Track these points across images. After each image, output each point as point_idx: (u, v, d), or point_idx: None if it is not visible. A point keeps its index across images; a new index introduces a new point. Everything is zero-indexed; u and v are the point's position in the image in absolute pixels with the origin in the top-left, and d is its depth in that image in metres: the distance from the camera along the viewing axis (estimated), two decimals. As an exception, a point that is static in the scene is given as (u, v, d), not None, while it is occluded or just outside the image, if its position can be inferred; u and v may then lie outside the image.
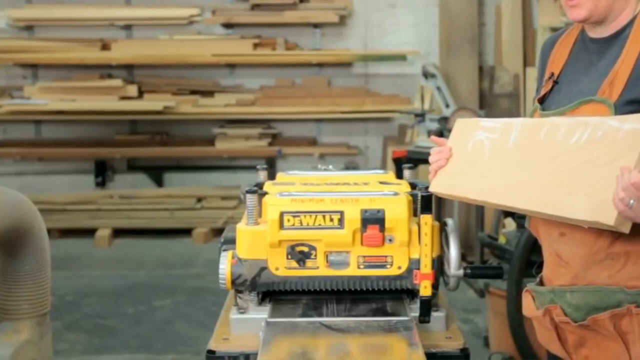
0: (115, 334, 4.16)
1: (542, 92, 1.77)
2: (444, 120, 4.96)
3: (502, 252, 3.47)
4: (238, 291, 1.89)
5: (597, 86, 1.63)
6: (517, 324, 3.12)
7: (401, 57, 6.42)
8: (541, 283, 1.78)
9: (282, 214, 1.83)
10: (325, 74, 6.61)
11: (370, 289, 1.86)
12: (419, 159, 4.79)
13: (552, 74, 1.77)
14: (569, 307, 1.67)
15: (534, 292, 1.76)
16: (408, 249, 1.85)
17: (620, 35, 1.67)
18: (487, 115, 5.13)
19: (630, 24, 1.66)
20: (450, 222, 1.93)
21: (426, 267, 1.84)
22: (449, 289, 1.93)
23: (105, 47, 6.44)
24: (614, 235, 1.58)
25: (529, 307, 1.78)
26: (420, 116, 5.13)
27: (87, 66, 6.45)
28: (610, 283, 1.61)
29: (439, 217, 2.00)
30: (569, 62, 1.76)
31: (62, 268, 5.01)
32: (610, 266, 1.61)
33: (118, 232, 6.09)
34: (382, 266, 1.85)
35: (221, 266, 1.86)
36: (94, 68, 6.48)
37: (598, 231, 1.59)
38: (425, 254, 1.85)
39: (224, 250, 1.91)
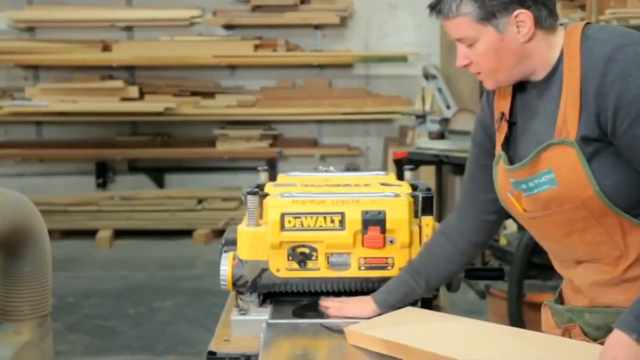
0: (116, 335, 4.16)
1: (501, 136, 1.68)
2: (445, 121, 4.96)
3: (503, 254, 3.47)
4: (239, 292, 1.89)
5: (552, 131, 1.57)
6: (518, 326, 3.12)
7: (402, 59, 6.42)
8: (560, 297, 1.76)
9: (283, 216, 1.83)
10: (326, 75, 6.61)
11: (371, 290, 1.86)
12: (420, 161, 4.80)
13: (503, 114, 1.69)
14: (589, 326, 1.65)
15: (552, 309, 1.75)
16: (409, 250, 1.85)
17: (555, 74, 1.59)
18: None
19: (559, 59, 1.59)
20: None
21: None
22: (450, 290, 1.94)
23: (106, 48, 6.45)
24: (629, 260, 1.57)
25: (547, 323, 1.76)
26: (421, 117, 5.13)
27: (88, 67, 6.45)
28: (628, 306, 1.57)
29: (440, 219, 2.00)
30: (518, 108, 1.68)
31: (63, 269, 5.01)
32: (626, 290, 1.59)
33: (119, 233, 6.09)
34: (383, 267, 1.85)
35: (222, 267, 1.87)
36: (95, 69, 6.49)
37: (615, 260, 1.58)
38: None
39: (225, 251, 1.91)
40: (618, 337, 1.48)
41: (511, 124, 1.68)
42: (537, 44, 1.59)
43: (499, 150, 1.69)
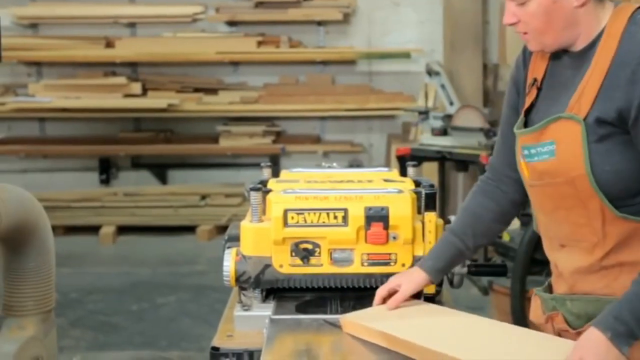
0: (119, 331, 4.17)
1: (528, 101, 1.70)
2: (448, 118, 4.96)
3: (506, 250, 3.47)
4: (242, 288, 1.89)
5: (567, 104, 1.58)
6: (521, 322, 3.12)
7: (405, 55, 6.41)
8: (549, 287, 1.77)
9: (286, 212, 1.83)
10: (329, 72, 6.60)
11: (374, 286, 1.86)
12: (423, 157, 4.81)
13: (535, 80, 1.70)
14: (570, 315, 1.67)
15: (540, 298, 1.76)
16: (412, 246, 1.85)
17: (592, 48, 1.59)
18: (492, 113, 5.13)
19: (600, 35, 1.59)
20: (454, 219, 1.93)
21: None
22: (453, 286, 1.94)
23: (109, 44, 6.45)
24: (606, 249, 1.59)
25: (535, 311, 1.77)
26: (424, 114, 5.13)
27: (91, 64, 6.45)
28: (606, 293, 1.61)
29: (443, 215, 2.00)
30: (548, 74, 1.69)
31: (66, 265, 5.02)
32: (604, 276, 1.61)
33: (122, 230, 6.10)
34: (386, 263, 1.86)
35: (225, 263, 1.87)
36: (98, 66, 6.49)
37: (592, 246, 1.59)
38: (429, 251, 1.85)
39: (228, 247, 1.92)
40: (591, 335, 1.48)
41: (539, 89, 1.69)
42: (587, 13, 1.58)
43: (521, 113, 1.71)
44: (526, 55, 1.75)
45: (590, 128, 1.54)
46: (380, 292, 1.79)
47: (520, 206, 1.83)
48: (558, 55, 1.67)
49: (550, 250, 1.71)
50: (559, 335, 1.71)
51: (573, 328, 1.67)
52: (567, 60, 1.65)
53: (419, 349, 1.56)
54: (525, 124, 1.69)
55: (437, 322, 1.70)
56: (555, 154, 1.58)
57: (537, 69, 1.71)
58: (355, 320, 1.71)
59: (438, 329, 1.66)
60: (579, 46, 1.62)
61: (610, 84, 1.54)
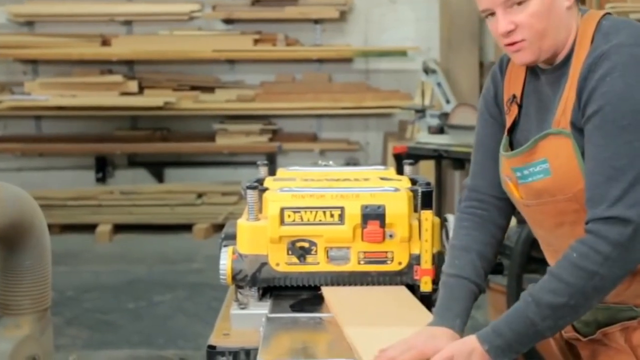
0: (116, 329, 4.17)
1: (509, 120, 1.66)
2: (445, 116, 4.96)
3: (502, 248, 3.47)
4: (238, 286, 1.89)
5: (552, 120, 1.56)
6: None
7: (402, 53, 6.41)
8: None
9: (282, 210, 1.83)
10: (326, 70, 6.60)
11: (371, 284, 1.87)
12: (419, 155, 4.81)
13: (515, 97, 1.66)
14: (579, 322, 1.65)
15: None
16: (408, 244, 1.85)
17: (567, 62, 1.56)
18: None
19: (573, 46, 1.55)
20: (450, 217, 1.93)
21: (427, 263, 1.84)
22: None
23: (105, 42, 6.44)
24: None
25: None
26: (421, 112, 5.13)
27: (87, 62, 6.45)
28: (618, 302, 1.59)
29: (440, 213, 2.00)
30: (526, 91, 1.65)
31: (62, 263, 5.01)
32: None
33: (119, 228, 6.10)
34: (383, 262, 1.86)
35: (222, 261, 1.87)
36: (94, 64, 6.48)
37: None
38: (425, 249, 1.85)
39: (225, 245, 1.91)
40: (470, 342, 1.48)
41: (519, 107, 1.65)
42: (571, 16, 1.56)
43: (505, 133, 1.67)
44: (502, 69, 1.70)
45: (576, 140, 1.52)
46: (409, 356, 1.50)
47: (507, 226, 1.78)
48: (534, 72, 1.64)
49: (554, 260, 1.70)
50: (568, 344, 1.71)
51: (583, 335, 1.66)
52: (544, 77, 1.61)
53: (346, 335, 1.62)
54: (510, 145, 1.65)
55: (382, 316, 1.72)
56: (551, 171, 1.55)
57: (514, 86, 1.66)
58: (329, 296, 1.80)
59: (373, 323, 1.68)
60: (559, 59, 1.58)
61: (579, 91, 1.52)
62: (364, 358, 1.51)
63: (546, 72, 1.61)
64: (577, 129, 1.52)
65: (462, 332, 1.59)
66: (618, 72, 1.46)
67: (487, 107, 1.73)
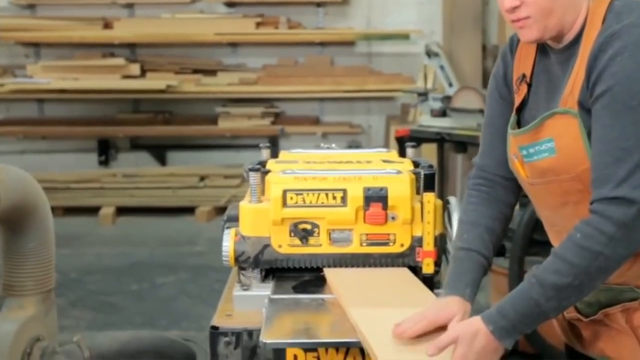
0: (119, 311, 4.19)
1: (519, 99, 1.66)
2: (447, 99, 4.96)
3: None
4: (241, 268, 1.90)
5: (560, 99, 1.56)
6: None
7: (404, 36, 6.39)
8: None
9: (285, 192, 1.84)
10: (328, 53, 6.59)
11: (373, 266, 1.88)
12: (421, 138, 4.80)
13: (524, 76, 1.65)
14: (581, 303, 1.66)
15: None
16: (411, 226, 1.86)
17: (577, 41, 1.55)
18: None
19: (584, 26, 1.54)
20: (453, 200, 1.94)
21: (429, 245, 1.85)
22: (451, 266, 1.94)
23: (107, 25, 6.42)
24: None
25: None
26: (423, 95, 5.12)
27: (89, 45, 6.43)
28: (620, 282, 1.60)
29: (442, 196, 2.01)
30: (536, 70, 1.65)
31: (65, 246, 5.03)
32: None
33: (121, 211, 6.11)
34: (385, 244, 1.86)
35: (224, 243, 1.88)
36: (96, 47, 6.47)
37: None
38: (427, 231, 1.85)
39: (227, 227, 1.92)
40: (475, 323, 1.49)
41: (529, 86, 1.66)
42: None
43: (513, 112, 1.67)
44: (513, 49, 1.71)
45: (583, 120, 1.52)
46: (422, 326, 1.53)
47: (515, 203, 1.80)
48: (544, 51, 1.64)
49: (558, 241, 1.71)
50: (570, 325, 1.72)
51: (585, 316, 1.66)
52: (553, 56, 1.62)
53: (350, 317, 1.63)
54: (518, 123, 1.66)
55: (386, 297, 1.73)
56: (556, 151, 1.56)
57: (524, 65, 1.67)
58: (332, 278, 1.80)
59: (377, 304, 1.69)
60: (567, 38, 1.58)
61: (588, 71, 1.51)
62: (368, 339, 1.52)
63: (556, 52, 1.61)
64: (585, 109, 1.52)
65: (472, 301, 1.62)
66: (629, 52, 1.46)
67: (497, 86, 1.74)
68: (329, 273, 1.85)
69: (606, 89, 1.47)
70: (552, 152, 1.56)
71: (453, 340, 1.47)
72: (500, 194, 1.76)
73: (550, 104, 1.60)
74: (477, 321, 1.49)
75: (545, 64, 1.64)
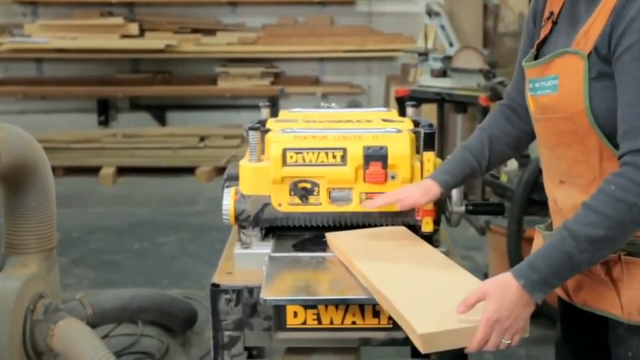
0: (121, 269, 4.23)
1: (542, 35, 1.67)
2: (448, 59, 4.93)
3: (504, 191, 3.50)
4: (241, 227, 1.91)
5: (574, 38, 1.56)
6: (517, 261, 3.16)
7: (405, -5, 6.33)
8: (550, 226, 1.79)
9: (284, 151, 1.84)
10: (328, 13, 6.53)
11: (373, 224, 1.89)
12: (422, 98, 4.79)
13: (552, 14, 1.67)
14: None
15: (542, 234, 1.78)
16: (410, 185, 1.87)
17: None
18: (492, 54, 5.09)
19: None
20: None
21: (428, 204, 1.86)
22: (451, 225, 1.96)
23: (105, -17, 6.36)
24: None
25: (537, 247, 1.79)
26: (424, 55, 5.09)
27: (87, 4, 6.37)
28: None
29: (441, 155, 2.01)
30: (564, 8, 1.65)
31: (67, 205, 5.05)
32: None
33: (122, 171, 6.12)
34: (384, 202, 1.87)
35: (224, 202, 1.88)
36: (94, 5, 6.41)
37: (589, 183, 1.58)
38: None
39: (227, 186, 1.93)
40: (505, 279, 1.49)
41: (554, 23, 1.67)
42: None
43: (534, 47, 1.69)
44: None
45: (593, 64, 1.52)
46: (388, 199, 1.81)
47: (531, 137, 1.82)
48: None
49: (550, 187, 1.72)
50: None
51: None
52: None
53: (363, 278, 1.65)
54: (536, 58, 1.67)
55: (394, 254, 1.75)
56: (558, 88, 1.57)
57: (556, 3, 1.68)
58: (334, 241, 1.81)
59: (388, 262, 1.71)
60: None
61: (614, 20, 1.50)
62: (382, 290, 1.55)
63: None
64: (600, 56, 1.51)
65: (445, 189, 1.80)
66: None
67: (528, 23, 1.77)
68: (330, 238, 1.86)
69: (635, 41, 1.45)
70: (555, 89, 1.57)
71: (481, 297, 1.47)
72: (518, 120, 1.83)
73: (565, 40, 1.61)
74: (507, 277, 1.48)
75: (573, 1, 1.64)
